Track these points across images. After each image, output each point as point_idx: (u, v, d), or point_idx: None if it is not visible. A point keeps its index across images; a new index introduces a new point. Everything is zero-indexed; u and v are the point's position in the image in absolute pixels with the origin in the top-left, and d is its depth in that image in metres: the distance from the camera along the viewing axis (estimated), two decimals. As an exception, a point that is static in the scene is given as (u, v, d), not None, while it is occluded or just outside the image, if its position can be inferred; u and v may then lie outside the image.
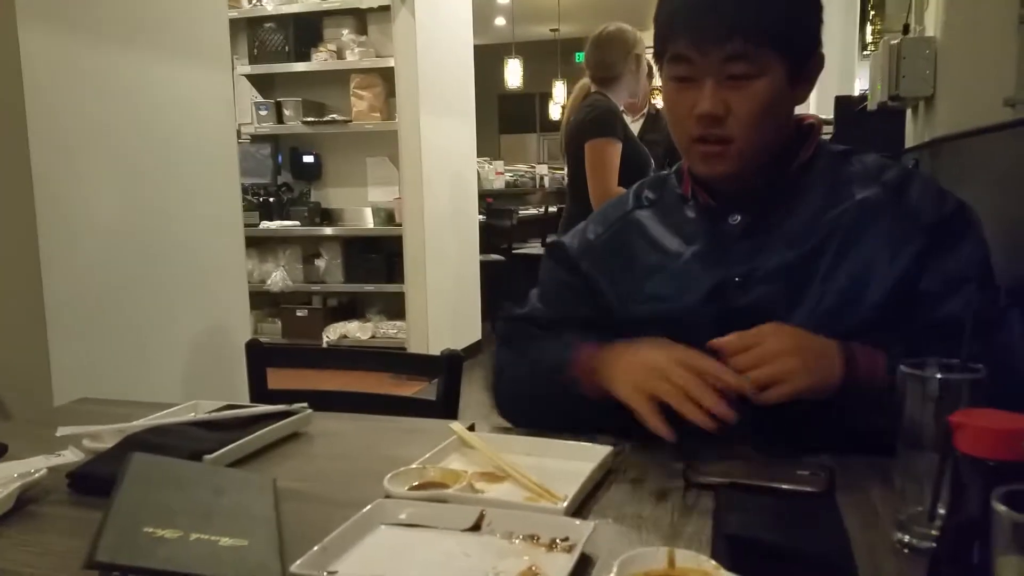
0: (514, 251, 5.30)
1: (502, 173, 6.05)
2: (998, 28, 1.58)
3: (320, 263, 4.19)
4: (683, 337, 0.96)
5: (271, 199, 4.17)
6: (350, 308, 4.40)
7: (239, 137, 4.19)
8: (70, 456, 0.87)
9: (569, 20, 9.64)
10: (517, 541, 0.67)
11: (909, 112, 2.34)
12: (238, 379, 1.44)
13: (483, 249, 4.71)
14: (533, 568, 0.63)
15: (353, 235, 4.16)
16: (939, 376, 0.67)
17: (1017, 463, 0.52)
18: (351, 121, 4.03)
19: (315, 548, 0.63)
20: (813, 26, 0.96)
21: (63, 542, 0.72)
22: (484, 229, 4.81)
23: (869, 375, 0.85)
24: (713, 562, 0.58)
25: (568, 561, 0.62)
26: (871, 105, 2.31)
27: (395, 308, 4.16)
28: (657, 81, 1.07)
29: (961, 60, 1.82)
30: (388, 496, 0.75)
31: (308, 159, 4.26)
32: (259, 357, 1.33)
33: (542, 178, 6.77)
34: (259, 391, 1.32)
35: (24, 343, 1.80)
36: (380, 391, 1.36)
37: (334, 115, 4.08)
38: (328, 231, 4.13)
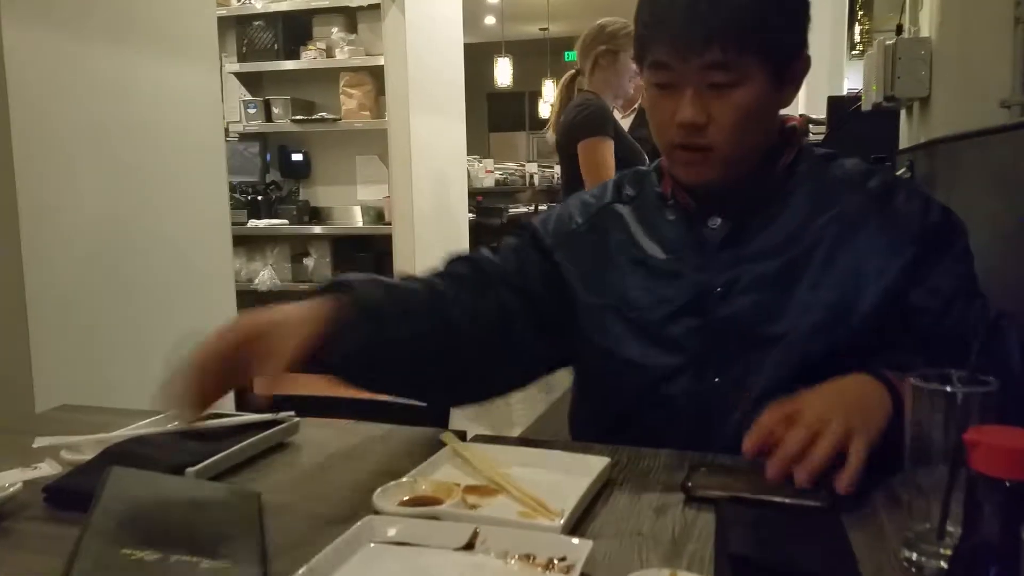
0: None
1: (492, 171, 6.03)
2: (994, 29, 1.57)
3: (308, 262, 4.15)
4: (659, 347, 0.95)
5: (259, 197, 4.12)
6: (339, 308, 4.34)
7: (227, 135, 4.14)
8: (47, 469, 0.84)
9: (559, 19, 9.62)
10: (512, 561, 0.65)
11: (903, 113, 2.33)
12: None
13: (473, 247, 4.68)
14: (530, 590, 0.61)
15: (342, 234, 4.12)
16: (949, 389, 0.65)
17: (1035, 484, 0.50)
18: (340, 119, 3.99)
19: (302, 569, 0.61)
20: (797, 29, 0.93)
21: (39, 561, 0.69)
22: (474, 228, 4.79)
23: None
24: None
25: (566, 583, 0.60)
26: (865, 106, 2.30)
27: (384, 308, 4.11)
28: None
29: (957, 61, 1.80)
30: (377, 512, 0.72)
31: (297, 157, 4.22)
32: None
33: (532, 176, 6.75)
34: (242, 400, 1.29)
35: (4, 346, 1.75)
36: (369, 395, 1.33)
37: (323, 113, 4.03)
38: (317, 230, 4.09)
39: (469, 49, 4.61)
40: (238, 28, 4.09)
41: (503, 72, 8.10)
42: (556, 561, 0.64)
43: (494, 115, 12.02)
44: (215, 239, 2.42)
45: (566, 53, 10.23)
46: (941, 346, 0.89)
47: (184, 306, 2.23)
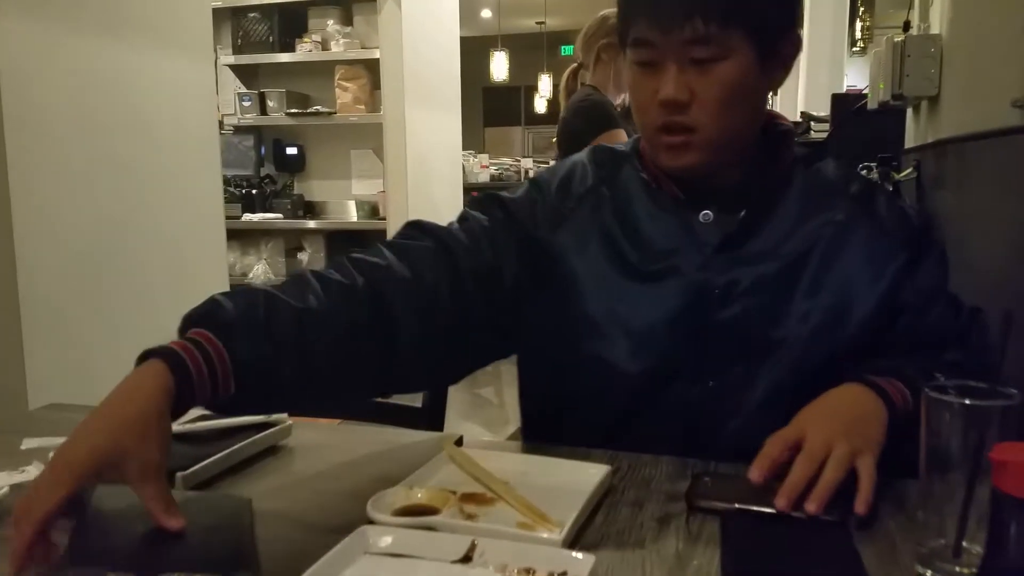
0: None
1: (487, 166, 5.99)
2: (1007, 26, 1.53)
3: (303, 256, 4.12)
4: (653, 350, 0.91)
5: (253, 191, 4.09)
6: (333, 303, 4.32)
7: (222, 128, 4.10)
8: (34, 472, 0.82)
9: (555, 13, 9.58)
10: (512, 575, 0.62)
11: (910, 111, 2.30)
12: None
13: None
14: (530, 608, 0.58)
15: (336, 228, 4.09)
16: (968, 402, 0.63)
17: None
18: (335, 113, 3.95)
19: (294, 584, 0.58)
20: (784, 5, 0.90)
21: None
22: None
23: (902, 406, 0.81)
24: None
25: (569, 601, 0.57)
26: (871, 104, 2.27)
27: (379, 303, 4.08)
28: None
29: (968, 59, 1.77)
30: (372, 522, 0.69)
31: (291, 151, 4.18)
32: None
33: (527, 171, 6.72)
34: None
35: (-4, 342, 1.72)
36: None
37: (318, 107, 4.00)
38: (311, 224, 4.06)
39: (465, 42, 4.57)
40: (233, 20, 4.06)
41: (499, 66, 8.06)
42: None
43: (490, 109, 11.98)
44: (209, 233, 2.39)
45: (563, 47, 10.18)
46: (920, 344, 0.90)
47: (177, 301, 2.18)
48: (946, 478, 0.65)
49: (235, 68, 4.16)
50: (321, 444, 0.96)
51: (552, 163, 2.86)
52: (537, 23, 10.18)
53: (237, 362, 0.71)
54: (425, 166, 4.01)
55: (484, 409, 3.54)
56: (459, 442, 0.94)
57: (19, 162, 1.71)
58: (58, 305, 1.81)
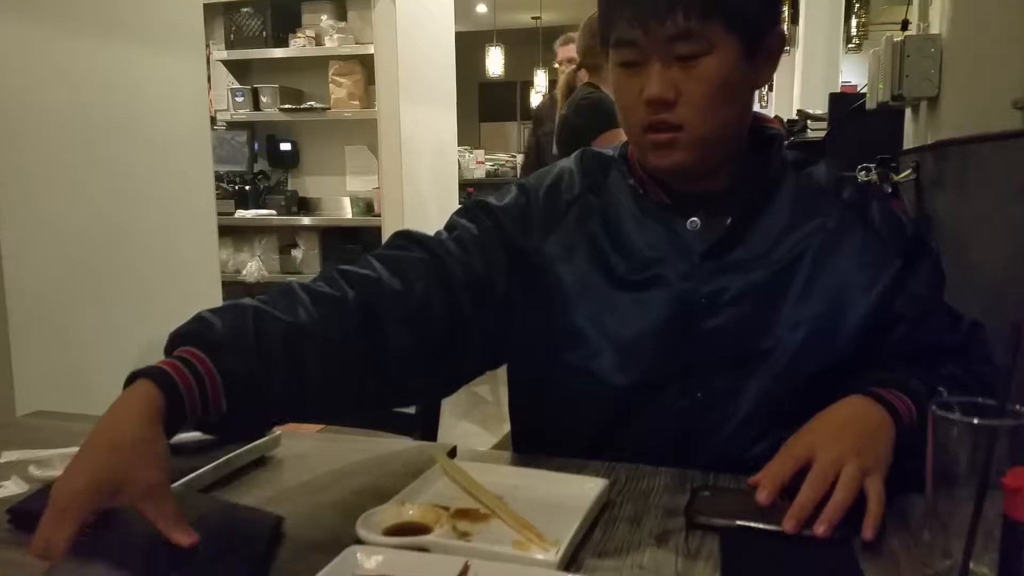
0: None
1: (482, 162, 5.96)
2: (1007, 26, 1.52)
3: (297, 253, 4.09)
4: (640, 360, 0.89)
5: (247, 187, 4.06)
6: (327, 300, 4.29)
7: (215, 124, 4.07)
8: (12, 487, 0.80)
9: (551, 8, 9.54)
10: (506, 599, 0.61)
11: (909, 112, 2.28)
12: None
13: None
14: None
15: (331, 225, 4.06)
16: (976, 421, 0.61)
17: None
18: (329, 109, 3.93)
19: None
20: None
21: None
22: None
23: (908, 421, 0.80)
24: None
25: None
26: (870, 104, 2.25)
27: (373, 301, 4.06)
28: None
29: (968, 60, 1.75)
30: (361, 542, 0.67)
31: (285, 147, 4.15)
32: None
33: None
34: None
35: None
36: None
37: (312, 102, 3.97)
38: (305, 221, 4.03)
39: (460, 38, 4.54)
40: (226, 15, 4.03)
41: (494, 61, 8.02)
42: (553, 601, 0.59)
43: (485, 105, 11.94)
44: (200, 231, 2.37)
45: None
46: (917, 354, 0.88)
47: (168, 302, 2.18)
48: (953, 498, 0.63)
49: (228, 63, 4.12)
50: (311, 455, 0.93)
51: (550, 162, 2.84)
52: (533, 18, 10.14)
53: (227, 380, 0.69)
54: (420, 162, 3.98)
55: (480, 407, 3.52)
56: (452, 452, 0.92)
57: (5, 161, 1.68)
58: (47, 307, 1.79)
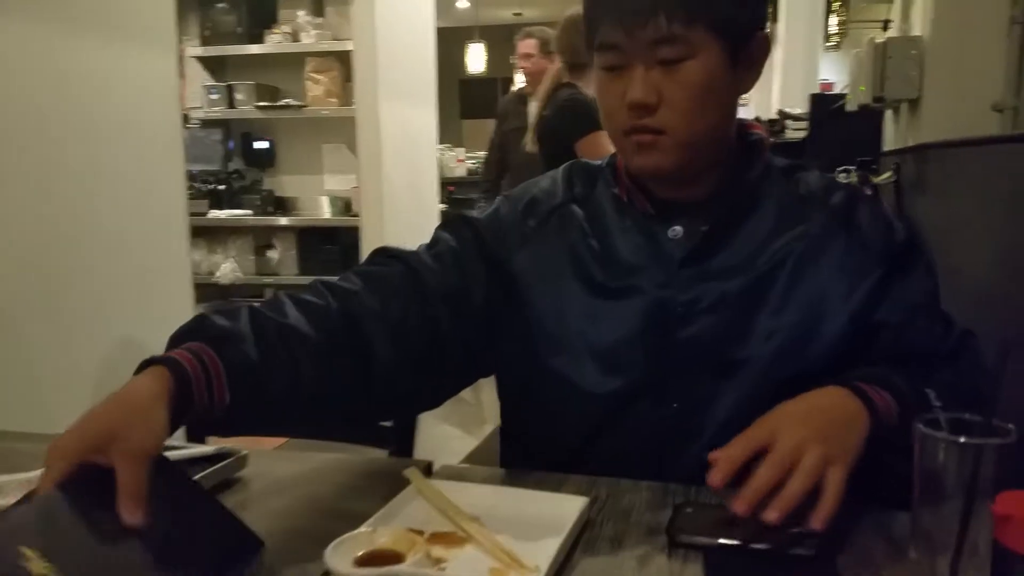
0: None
1: (464, 160, 5.92)
2: (989, 29, 1.52)
3: (273, 254, 4.04)
4: (615, 370, 0.89)
5: (221, 187, 4.00)
6: (305, 301, 4.24)
7: (188, 122, 4.00)
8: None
9: (533, 4, 9.51)
10: (482, 633, 0.58)
11: (889, 113, 2.28)
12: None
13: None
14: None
15: (308, 225, 4.01)
16: (962, 440, 0.59)
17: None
18: (306, 106, 3.87)
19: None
20: (750, 3, 0.88)
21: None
22: (444, 218, 4.69)
23: (887, 415, 0.76)
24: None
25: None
26: (851, 106, 2.24)
27: (352, 301, 4.02)
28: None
29: (949, 62, 1.75)
30: (330, 573, 0.64)
31: (261, 145, 4.09)
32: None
33: (505, 165, 6.66)
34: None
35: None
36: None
37: (288, 100, 3.91)
38: (282, 221, 3.98)
39: (441, 34, 4.50)
40: (200, 10, 3.96)
41: (476, 58, 7.99)
42: (531, 634, 0.57)
43: (466, 102, 11.87)
44: (170, 234, 2.31)
45: (540, 39, 10.13)
46: (905, 359, 0.86)
47: (135, 308, 2.12)
48: (939, 516, 0.62)
49: (202, 60, 4.06)
50: (279, 476, 0.90)
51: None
52: (514, 14, 10.10)
53: (231, 371, 0.72)
54: (400, 160, 3.94)
55: (460, 410, 3.49)
56: (428, 469, 0.89)
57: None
58: (5, 318, 1.73)
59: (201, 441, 1.15)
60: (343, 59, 3.81)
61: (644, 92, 0.83)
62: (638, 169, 0.90)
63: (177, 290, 2.34)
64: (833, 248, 0.88)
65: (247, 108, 3.94)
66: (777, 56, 5.35)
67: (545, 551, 0.67)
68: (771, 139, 3.37)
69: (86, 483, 0.63)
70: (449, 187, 5.32)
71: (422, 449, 1.18)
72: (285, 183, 4.18)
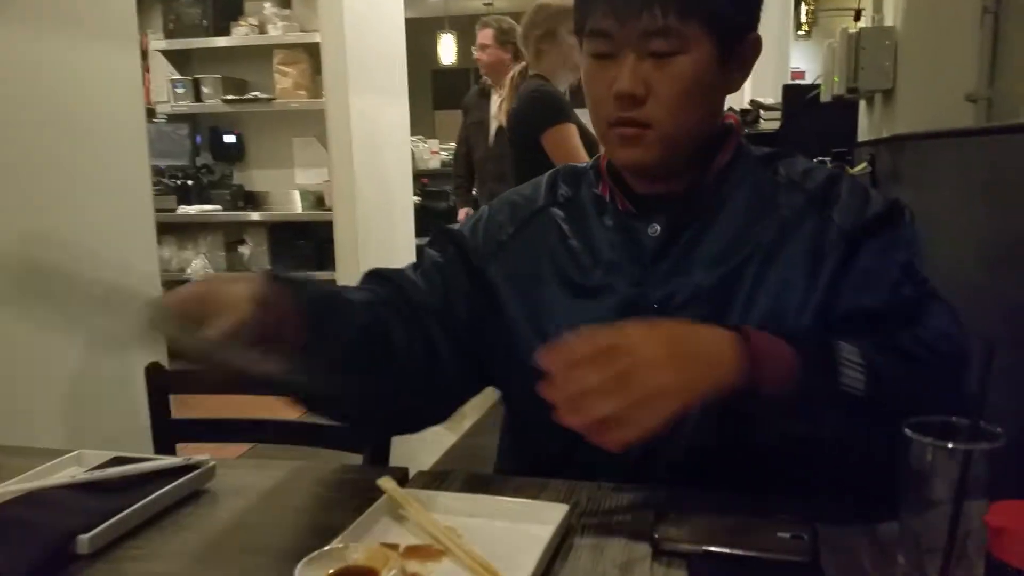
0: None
1: (437, 152, 5.86)
2: (961, 19, 1.51)
3: (244, 250, 3.97)
4: None
5: (190, 182, 3.92)
6: (278, 297, 4.18)
7: (154, 117, 3.92)
8: None
9: (504, -7, 9.44)
10: (461, 655, 0.56)
11: (863, 104, 2.28)
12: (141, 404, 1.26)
13: (419, 232, 4.55)
14: None
15: (280, 220, 3.95)
16: (951, 446, 0.58)
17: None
18: (275, 99, 3.81)
19: None
20: (746, 3, 0.87)
21: None
22: (420, 212, 4.65)
23: (776, 372, 0.71)
24: None
25: None
26: (825, 96, 2.24)
27: (326, 296, 3.98)
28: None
29: (922, 52, 1.75)
30: (302, 592, 0.62)
31: (229, 139, 4.02)
32: (160, 383, 1.18)
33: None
34: (160, 423, 1.17)
35: None
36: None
37: (256, 93, 3.85)
38: (253, 216, 3.91)
39: (411, 24, 4.44)
40: (164, 3, 3.89)
41: (447, 49, 7.92)
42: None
43: (439, 93, 11.77)
44: (136, 232, 2.25)
45: (511, 29, 10.05)
46: (856, 324, 0.82)
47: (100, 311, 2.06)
48: (927, 521, 0.61)
49: (167, 53, 3.98)
50: (248, 487, 0.86)
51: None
52: (485, 4, 10.02)
53: (309, 308, 0.78)
54: (372, 153, 3.90)
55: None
56: (403, 477, 0.87)
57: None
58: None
59: (171, 452, 1.12)
60: (312, 51, 3.75)
61: (632, 83, 0.82)
62: (621, 163, 0.89)
63: (145, 289, 2.29)
64: (804, 232, 0.85)
65: (214, 102, 3.87)
66: (749, 44, 5.34)
67: (525, 563, 0.65)
68: (745, 129, 3.37)
69: None
70: (423, 179, 5.27)
71: (401, 442, 1.14)
72: (255, 177, 4.12)
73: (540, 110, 2.38)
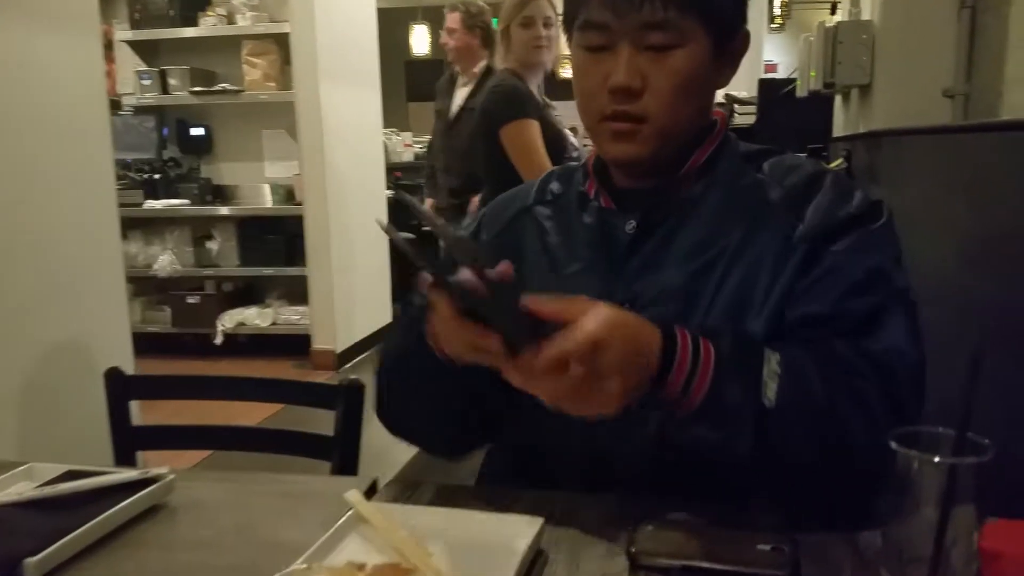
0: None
1: (411, 145, 5.81)
2: (939, 14, 1.51)
3: (213, 245, 3.90)
4: None
5: (156, 176, 3.84)
6: (247, 293, 4.12)
7: (120, 109, 3.83)
8: None
9: (478, -16, 9.37)
10: None
11: (838, 99, 2.27)
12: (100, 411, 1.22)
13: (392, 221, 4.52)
14: None
15: (249, 214, 3.90)
16: (937, 459, 0.56)
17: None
18: (244, 91, 3.75)
19: None
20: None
21: None
22: (393, 205, 4.60)
23: (692, 371, 0.70)
24: None
25: None
26: (801, 91, 2.22)
27: (297, 292, 3.92)
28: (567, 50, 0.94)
29: (899, 47, 1.75)
30: (263, 619, 0.59)
31: (197, 132, 3.94)
32: (120, 390, 1.13)
33: (453, 149, 6.56)
34: (121, 430, 1.13)
35: None
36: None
37: (225, 84, 3.78)
38: (222, 210, 3.85)
39: (383, 14, 4.39)
40: (128, -9, 3.80)
41: (420, 39, 7.84)
42: None
43: (413, 85, 11.67)
44: (100, 227, 2.19)
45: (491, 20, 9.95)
46: (805, 328, 0.79)
47: (63, 308, 2.00)
48: (910, 531, 0.59)
49: (133, 44, 3.90)
50: (209, 502, 0.83)
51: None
52: (458, -6, 9.96)
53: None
54: (343, 146, 3.85)
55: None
56: (372, 488, 0.84)
57: None
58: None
59: (131, 461, 1.08)
60: (281, 42, 3.70)
61: (629, 76, 0.80)
62: (611, 158, 0.87)
63: (109, 285, 2.23)
64: (774, 231, 0.82)
65: (182, 94, 3.81)
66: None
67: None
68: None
69: None
70: (396, 173, 5.22)
71: (374, 437, 1.10)
72: (224, 171, 4.05)
73: (501, 105, 2.38)
